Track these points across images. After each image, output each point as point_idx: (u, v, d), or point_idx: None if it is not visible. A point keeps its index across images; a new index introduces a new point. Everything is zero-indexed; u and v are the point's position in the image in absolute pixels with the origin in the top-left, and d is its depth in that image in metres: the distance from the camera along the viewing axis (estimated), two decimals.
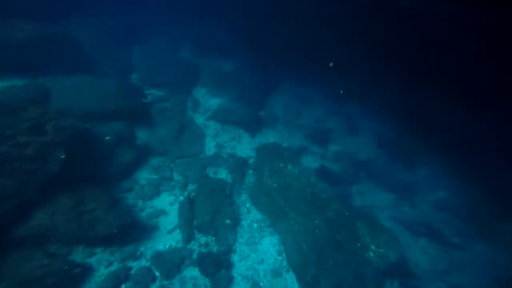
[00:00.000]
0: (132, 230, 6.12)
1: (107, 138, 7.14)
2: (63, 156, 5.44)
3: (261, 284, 6.02)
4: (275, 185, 7.62)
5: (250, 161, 9.03)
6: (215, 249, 6.39)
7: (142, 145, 8.32)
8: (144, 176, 7.66)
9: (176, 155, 8.60)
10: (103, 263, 5.61)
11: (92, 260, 5.60)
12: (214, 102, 11.38)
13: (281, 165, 8.36)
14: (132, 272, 5.64)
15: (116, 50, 12.24)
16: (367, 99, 14.58)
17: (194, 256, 6.16)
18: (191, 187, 7.79)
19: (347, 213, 7.45)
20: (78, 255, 5.53)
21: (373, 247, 6.76)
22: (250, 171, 8.66)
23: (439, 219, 9.98)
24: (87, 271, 5.40)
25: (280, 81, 15.03)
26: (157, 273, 5.72)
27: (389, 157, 12.03)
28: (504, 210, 9.59)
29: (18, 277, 4.64)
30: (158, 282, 5.62)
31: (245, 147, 10.02)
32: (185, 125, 9.54)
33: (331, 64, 11.09)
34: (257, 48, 15.05)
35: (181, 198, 7.37)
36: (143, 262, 5.87)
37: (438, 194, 11.12)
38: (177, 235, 6.50)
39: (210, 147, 9.49)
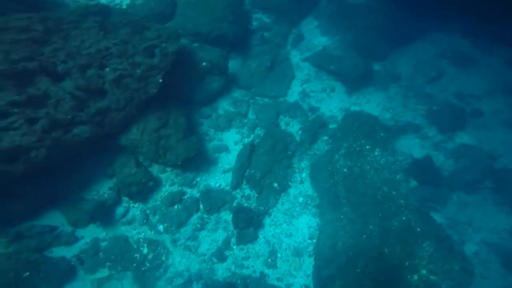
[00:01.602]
0: (196, 159, 6.53)
1: (204, 64, 7.19)
2: (160, 81, 5.86)
3: (279, 255, 5.92)
4: (345, 170, 6.23)
5: (330, 126, 7.58)
6: (253, 205, 6.40)
7: (231, 74, 8.07)
8: (223, 106, 7.71)
9: (258, 92, 8.06)
10: (168, 181, 6.50)
11: (163, 176, 6.53)
12: (321, 41, 9.23)
13: (367, 146, 6.50)
14: (185, 197, 6.39)
15: None
16: None
17: (234, 204, 6.38)
18: (258, 131, 7.47)
19: (418, 229, 5.78)
20: (155, 169, 6.53)
21: (424, 271, 5.24)
22: (325, 138, 7.31)
23: None
24: (157, 185, 6.41)
25: (429, 28, 10.19)
26: (201, 206, 6.35)
27: None
28: None
29: (120, 179, 6.02)
30: (200, 213, 6.28)
31: (333, 104, 8.23)
32: (278, 62, 8.43)
33: None
34: None
35: (246, 140, 7.25)
36: (195, 192, 6.48)
37: None
38: (228, 178, 6.71)
39: (294, 92, 8.32)
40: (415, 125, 8.23)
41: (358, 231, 5.59)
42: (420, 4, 9.36)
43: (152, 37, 6.22)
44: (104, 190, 6.05)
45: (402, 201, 5.92)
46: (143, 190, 6.13)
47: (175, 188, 6.48)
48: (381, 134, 6.74)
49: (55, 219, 5.68)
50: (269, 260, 5.86)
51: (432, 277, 5.16)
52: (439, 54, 9.80)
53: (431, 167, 7.43)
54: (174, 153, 6.11)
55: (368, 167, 6.32)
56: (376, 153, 6.50)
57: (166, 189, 6.46)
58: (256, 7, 9.41)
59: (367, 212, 5.76)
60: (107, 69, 5.66)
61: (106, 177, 6.15)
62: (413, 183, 7.03)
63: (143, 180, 6.05)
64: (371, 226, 5.63)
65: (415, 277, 5.21)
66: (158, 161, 6.21)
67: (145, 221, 6.08)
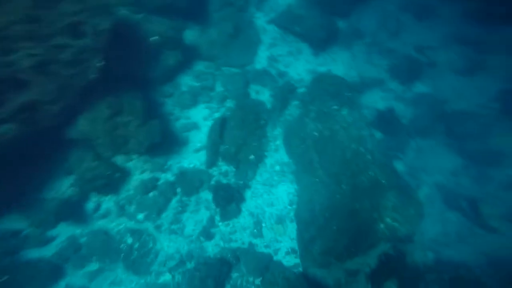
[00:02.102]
0: (164, 142, 6.17)
1: (155, 37, 6.34)
2: (99, 64, 5.03)
3: (263, 224, 6.09)
4: (316, 133, 6.37)
5: (300, 90, 7.43)
6: (232, 181, 6.33)
7: (190, 46, 7.29)
8: (186, 81, 7.10)
9: (223, 62, 7.48)
10: (138, 169, 6.08)
11: (130, 165, 6.07)
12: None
13: (335, 107, 6.61)
14: (159, 183, 6.07)
15: None
16: None
17: (212, 183, 6.24)
18: (228, 103, 7.10)
19: (383, 181, 6.33)
20: (119, 159, 6.00)
21: (388, 220, 5.89)
22: (296, 102, 7.22)
23: (497, 199, 7.83)
24: (125, 175, 5.98)
25: None
26: (178, 189, 6.12)
27: (502, 115, 8.54)
28: None
29: (80, 174, 5.47)
30: (178, 196, 6.07)
31: (301, 66, 8.02)
32: (241, 28, 7.73)
33: None
34: None
35: (217, 114, 6.89)
36: (169, 176, 6.18)
37: None
38: (202, 156, 6.47)
39: (261, 58, 7.88)
40: (379, 80, 8.44)
41: (332, 192, 5.88)
42: None
43: (73, 10, 5.09)
44: (64, 187, 5.56)
45: (369, 157, 6.24)
46: (110, 182, 5.72)
47: (146, 176, 6.11)
48: (347, 94, 6.84)
49: (16, 222, 5.24)
50: (255, 230, 6.04)
51: (394, 223, 5.77)
52: (404, 7, 9.75)
53: (393, 117, 7.89)
54: (135, 140, 5.63)
55: (337, 126, 6.45)
56: (343, 112, 6.62)
57: (137, 178, 6.08)
58: None
59: (338, 172, 6.02)
60: (17, 54, 4.60)
61: (65, 174, 5.63)
62: (378, 134, 7.51)
63: (107, 173, 5.60)
64: (343, 186, 5.93)
65: (382, 225, 5.77)
66: (120, 151, 5.71)
67: (121, 212, 5.81)
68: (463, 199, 7.11)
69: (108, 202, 5.83)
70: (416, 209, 5.93)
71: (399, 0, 9.79)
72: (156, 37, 6.40)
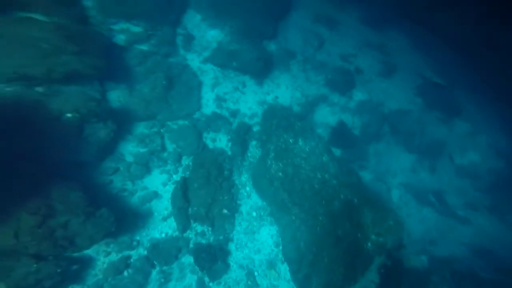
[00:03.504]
0: (123, 221, 5.46)
1: (69, 115, 5.31)
2: None
3: (256, 273, 5.81)
4: (280, 174, 6.19)
5: (255, 129, 7.27)
6: (211, 239, 5.89)
7: (120, 109, 6.46)
8: (129, 149, 6.30)
9: (167, 116, 6.83)
10: (101, 253, 5.28)
11: (89, 252, 5.22)
12: (213, 35, 8.36)
13: (290, 140, 6.62)
14: (131, 260, 5.42)
15: None
16: (421, 24, 10.74)
17: (191, 245, 5.77)
18: (185, 161, 6.54)
19: (355, 200, 6.60)
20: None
21: (373, 236, 6.15)
22: (254, 142, 7.06)
23: (455, 187, 9.13)
24: (87, 262, 5.15)
25: None
26: (155, 261, 5.51)
27: (427, 108, 9.94)
28: None
29: (15, 282, 4.33)
30: (158, 268, 5.50)
31: (250, 99, 7.91)
32: (175, 74, 7.35)
33: None
34: None
35: (175, 176, 6.29)
36: (141, 251, 5.54)
37: (469, 156, 9.70)
38: (173, 223, 5.87)
39: (208, 101, 7.51)
40: (322, 96, 8.88)
41: (311, 226, 5.85)
42: None
43: None
44: None
45: (334, 181, 6.42)
46: (66, 278, 4.79)
47: (114, 257, 5.35)
48: (298, 124, 6.99)
49: None
50: (249, 282, 5.72)
51: (380, 239, 6.02)
52: (313, 19, 10.49)
53: (346, 129, 8.39)
54: (85, 236, 4.77)
55: (298, 159, 6.52)
56: (300, 143, 6.72)
57: (103, 261, 5.28)
58: (111, 16, 7.25)
59: (312, 205, 6.04)
60: None
61: None
62: (337, 151, 7.87)
63: (58, 270, 4.64)
64: (320, 217, 5.97)
65: (369, 244, 5.97)
66: (66, 253, 4.79)
67: None
68: (430, 193, 7.93)
69: None
70: (394, 219, 6.26)
71: (309, 15, 10.55)
72: (70, 115, 5.41)
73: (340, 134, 8.10)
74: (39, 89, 5.53)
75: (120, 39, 7.19)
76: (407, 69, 10.66)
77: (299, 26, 10.16)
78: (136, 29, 7.45)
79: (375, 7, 11.44)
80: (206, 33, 8.40)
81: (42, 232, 4.45)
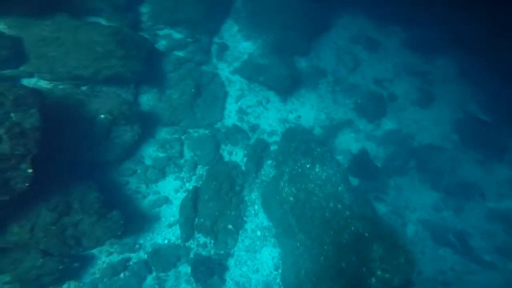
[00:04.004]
0: (131, 223, 5.67)
1: (102, 116, 5.63)
2: (30, 171, 4.17)
3: None
4: (291, 198, 6.04)
5: (273, 148, 7.19)
6: (212, 252, 5.91)
7: (149, 113, 6.74)
8: (149, 153, 6.54)
9: (189, 124, 7.00)
10: (104, 253, 5.50)
11: (93, 251, 5.44)
12: (245, 46, 8.43)
13: (307, 165, 6.42)
14: (130, 263, 5.57)
15: None
16: (477, 55, 9.78)
17: (191, 255, 5.82)
18: (200, 170, 6.65)
19: (366, 234, 6.30)
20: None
21: (379, 272, 5.83)
22: (269, 162, 6.98)
23: (483, 231, 8.33)
24: (88, 260, 5.37)
25: (341, 12, 10.45)
26: (153, 267, 5.62)
27: (463, 146, 9.16)
28: None
29: (21, 274, 4.62)
30: (154, 273, 5.59)
31: (271, 116, 7.85)
32: (204, 83, 7.34)
33: None
34: None
35: (188, 184, 6.46)
36: (142, 254, 5.68)
37: (506, 202, 8.82)
38: (177, 230, 5.99)
39: (231, 112, 7.60)
40: (348, 120, 8.54)
41: (315, 255, 5.64)
42: None
43: None
44: None
45: (347, 213, 6.14)
46: (65, 274, 5.01)
47: (115, 258, 5.54)
48: (318, 150, 6.78)
49: None
50: None
51: (386, 275, 5.72)
52: (352, 39, 10.12)
53: (368, 160, 8.00)
54: (92, 238, 4.99)
55: (312, 185, 6.32)
56: (317, 169, 6.51)
57: (104, 261, 5.49)
58: (159, 23, 7.69)
59: (319, 233, 5.83)
60: None
61: None
62: (355, 181, 7.54)
63: (60, 267, 4.87)
64: (325, 247, 5.75)
65: (373, 279, 5.63)
66: (70, 252, 5.01)
67: None
68: (450, 234, 7.30)
69: None
70: (406, 256, 5.89)
71: (348, 34, 10.19)
72: (103, 116, 5.74)
73: (361, 163, 7.73)
74: (83, 88, 5.97)
75: (162, 44, 7.53)
76: (448, 100, 9.76)
77: (335, 45, 9.87)
78: (178, 35, 7.77)
79: (423, 30, 10.67)
80: (239, 44, 8.49)
81: (54, 229, 4.67)
